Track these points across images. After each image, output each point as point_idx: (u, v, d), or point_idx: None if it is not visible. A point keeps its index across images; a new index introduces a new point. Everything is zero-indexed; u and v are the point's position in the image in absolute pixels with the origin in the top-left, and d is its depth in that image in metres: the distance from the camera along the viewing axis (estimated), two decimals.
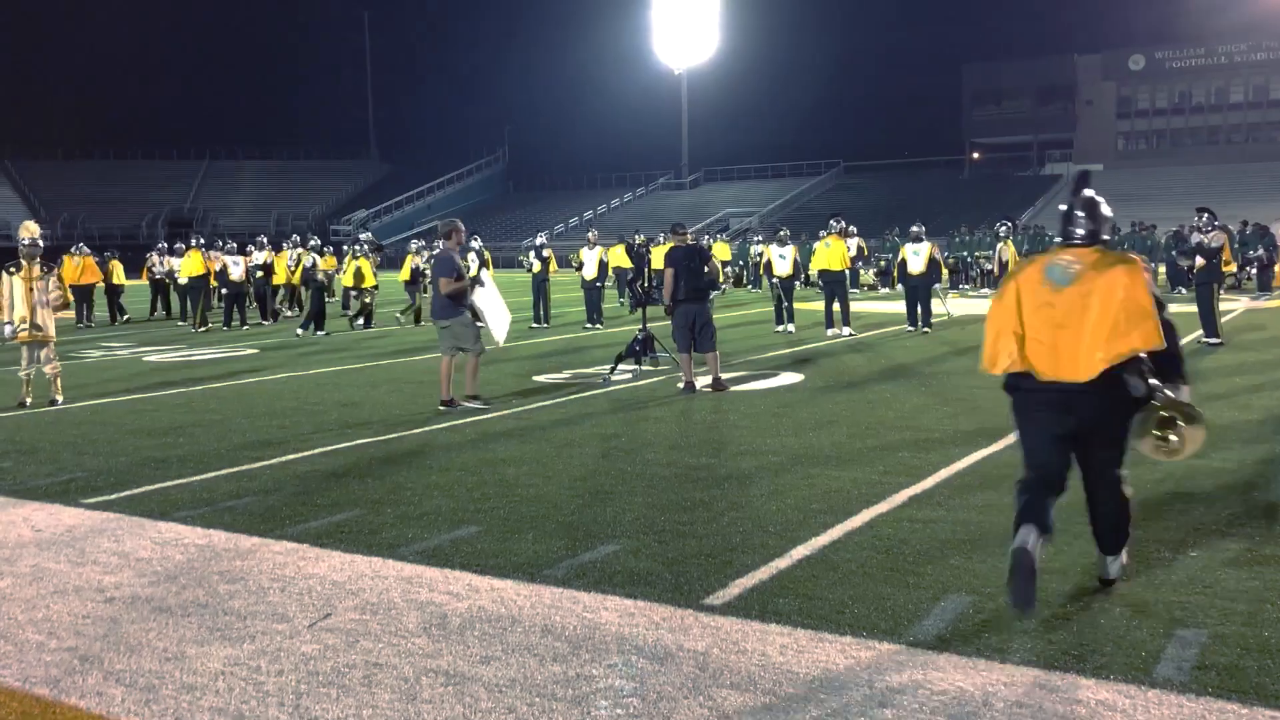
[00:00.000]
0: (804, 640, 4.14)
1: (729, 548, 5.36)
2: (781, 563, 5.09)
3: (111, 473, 7.52)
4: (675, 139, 76.94)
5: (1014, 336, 4.44)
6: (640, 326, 12.77)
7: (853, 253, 24.02)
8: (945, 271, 22.41)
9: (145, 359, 15.78)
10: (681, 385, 10.97)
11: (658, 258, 14.43)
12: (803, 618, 4.36)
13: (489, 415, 9.65)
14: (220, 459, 7.92)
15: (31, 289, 10.68)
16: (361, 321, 21.00)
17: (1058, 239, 4.65)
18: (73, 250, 23.95)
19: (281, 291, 24.51)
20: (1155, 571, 4.82)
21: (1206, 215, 14.88)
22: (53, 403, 10.83)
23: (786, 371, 12.47)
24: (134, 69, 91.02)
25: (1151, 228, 32.62)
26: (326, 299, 20.35)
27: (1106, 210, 4.57)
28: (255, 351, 16.57)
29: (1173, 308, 4.52)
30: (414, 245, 23.66)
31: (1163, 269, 26.76)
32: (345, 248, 28.58)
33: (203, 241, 23.80)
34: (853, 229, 25.91)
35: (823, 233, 18.57)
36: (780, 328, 17.78)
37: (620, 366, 12.40)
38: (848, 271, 17.89)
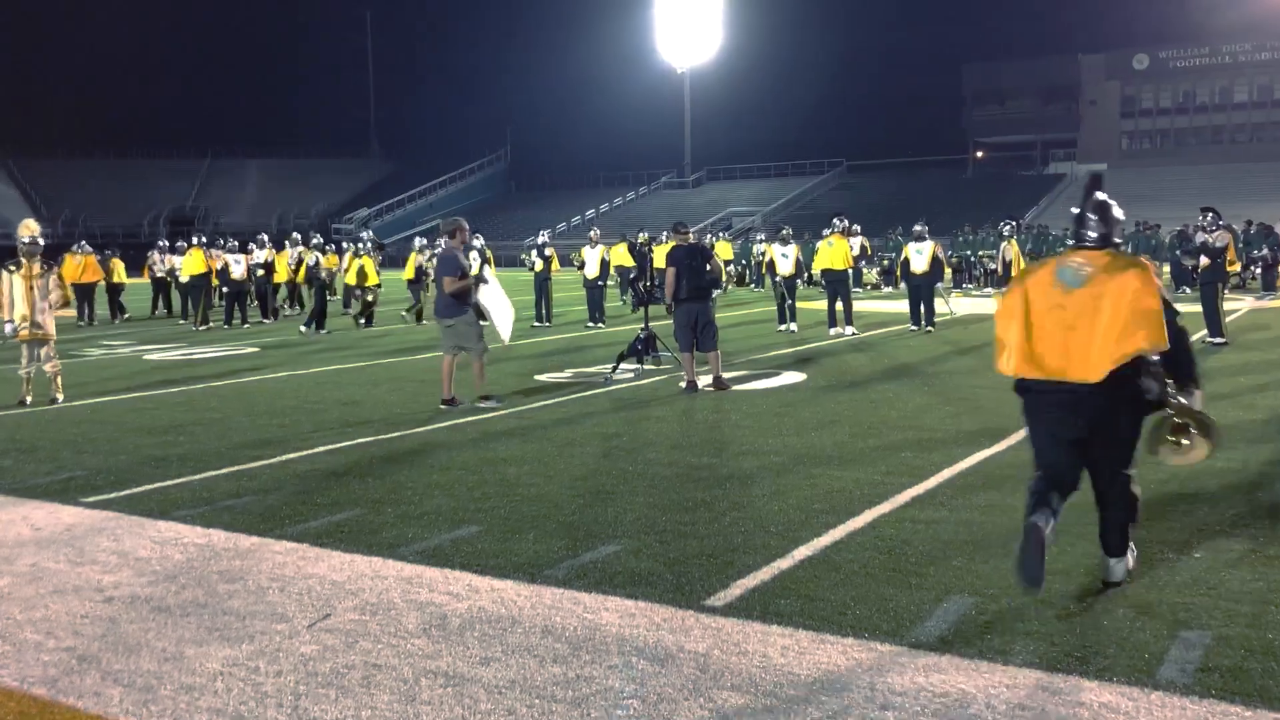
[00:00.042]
0: (805, 641, 4.12)
1: (730, 548, 5.34)
2: (783, 563, 5.07)
3: (111, 471, 7.51)
4: (678, 138, 76.97)
5: (1024, 338, 4.49)
6: (642, 325, 12.75)
7: (856, 252, 24.07)
8: (948, 270, 22.37)
9: (146, 357, 15.78)
10: (684, 385, 10.95)
11: (660, 257, 14.41)
12: (804, 619, 4.34)
13: (490, 415, 9.63)
14: (220, 458, 7.90)
15: (32, 287, 10.67)
16: (363, 321, 20.98)
17: (1070, 241, 4.69)
18: (75, 249, 23.97)
19: (282, 289, 24.51)
20: (1159, 572, 4.79)
21: (1211, 215, 14.85)
22: (53, 401, 10.82)
23: (789, 371, 12.45)
24: (136, 67, 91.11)
25: (1156, 227, 32.58)
26: (328, 297, 20.34)
27: (1118, 213, 4.64)
28: (256, 350, 16.56)
29: (1177, 308, 4.51)
30: (418, 244, 23.65)
31: (1167, 269, 26.72)
32: (345, 245, 28.55)
33: (204, 240, 23.79)
34: (856, 228, 25.98)
35: (826, 232, 18.55)
36: (783, 327, 17.76)
37: (622, 366, 12.38)
38: (850, 271, 17.87)
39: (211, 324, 21.13)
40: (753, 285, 32.58)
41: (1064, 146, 71.48)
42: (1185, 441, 4.48)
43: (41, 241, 10.93)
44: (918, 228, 17.51)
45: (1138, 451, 4.52)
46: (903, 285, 18.81)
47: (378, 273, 21.82)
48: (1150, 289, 4.28)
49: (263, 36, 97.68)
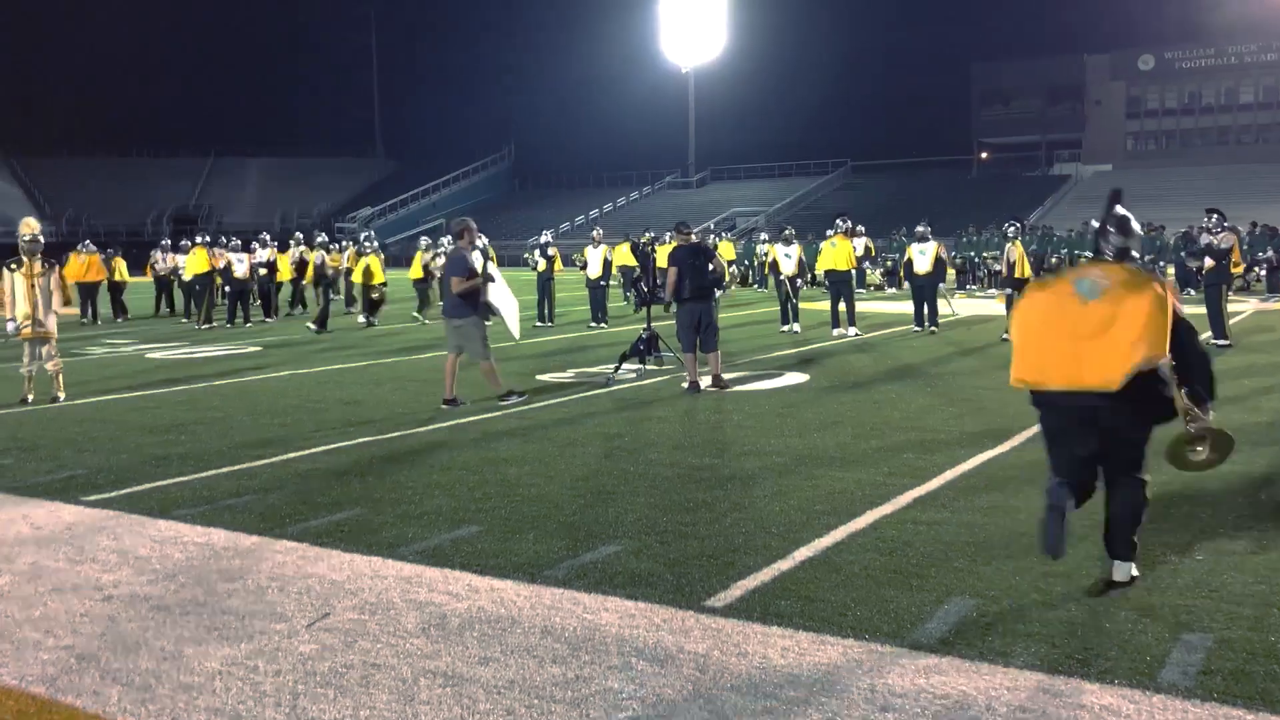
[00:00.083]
0: (805, 643, 4.10)
1: (731, 549, 5.33)
2: (784, 564, 5.06)
3: (112, 470, 7.50)
4: (682, 137, 76.90)
5: (1040, 348, 4.63)
6: (645, 325, 12.74)
7: (859, 252, 24.03)
8: (951, 271, 22.34)
9: (148, 356, 15.78)
10: (686, 385, 10.94)
11: (663, 256, 14.40)
12: (804, 620, 4.33)
13: (491, 415, 9.62)
14: (221, 457, 7.90)
15: (33, 286, 10.68)
16: (363, 320, 20.97)
17: (1089, 253, 4.83)
18: (79, 247, 23.99)
19: (285, 288, 24.49)
20: (1161, 574, 4.77)
21: (1216, 216, 14.81)
22: (54, 400, 10.83)
23: (791, 371, 12.43)
24: (139, 66, 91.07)
25: (1160, 228, 32.47)
26: (331, 296, 20.34)
27: (1137, 227, 4.84)
28: (258, 349, 16.56)
29: (1182, 309, 4.51)
30: (423, 243, 23.65)
31: (1171, 270, 26.67)
32: (346, 243, 28.53)
33: (207, 239, 23.80)
34: (860, 228, 25.92)
35: (829, 232, 18.51)
36: (786, 327, 17.74)
37: (624, 366, 12.37)
38: (854, 271, 17.85)
39: (214, 323, 21.14)
40: (756, 285, 32.56)
41: (1069, 147, 71.32)
42: (1200, 448, 4.66)
43: (42, 240, 10.93)
44: (920, 228, 17.47)
45: (1147, 458, 4.58)
46: (906, 286, 18.79)
47: (383, 271, 21.82)
48: (1166, 305, 4.41)
49: (265, 36, 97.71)
